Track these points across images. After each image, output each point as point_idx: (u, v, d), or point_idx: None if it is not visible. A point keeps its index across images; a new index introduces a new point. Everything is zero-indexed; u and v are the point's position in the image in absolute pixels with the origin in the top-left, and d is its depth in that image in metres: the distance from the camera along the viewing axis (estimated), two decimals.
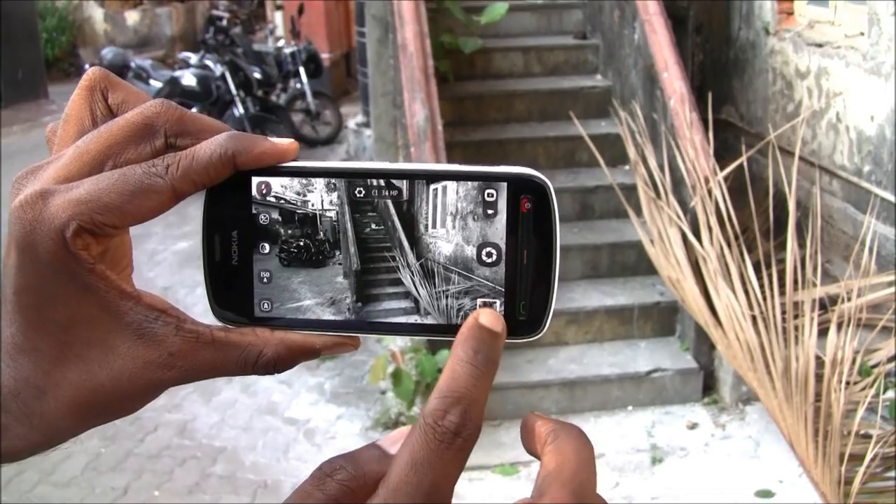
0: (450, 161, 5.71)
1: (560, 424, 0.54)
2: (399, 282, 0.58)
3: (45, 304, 0.52)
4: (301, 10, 11.95)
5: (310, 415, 5.44)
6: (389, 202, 0.57)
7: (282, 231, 0.58)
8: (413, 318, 0.58)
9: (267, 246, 0.58)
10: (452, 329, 0.55)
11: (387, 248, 0.58)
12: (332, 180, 0.57)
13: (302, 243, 0.58)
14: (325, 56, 12.69)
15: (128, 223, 0.54)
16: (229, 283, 0.58)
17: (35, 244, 0.51)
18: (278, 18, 13.60)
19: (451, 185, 0.56)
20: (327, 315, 0.58)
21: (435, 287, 0.57)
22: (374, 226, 0.58)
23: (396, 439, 0.52)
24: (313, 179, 0.57)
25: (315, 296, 0.58)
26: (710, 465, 4.81)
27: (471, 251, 0.57)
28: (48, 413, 0.54)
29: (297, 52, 11.15)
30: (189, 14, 20.16)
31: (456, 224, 0.57)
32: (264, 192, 0.57)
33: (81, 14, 19.52)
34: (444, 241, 0.57)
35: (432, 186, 0.56)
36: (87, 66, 10.46)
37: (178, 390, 5.72)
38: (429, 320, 0.58)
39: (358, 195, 0.57)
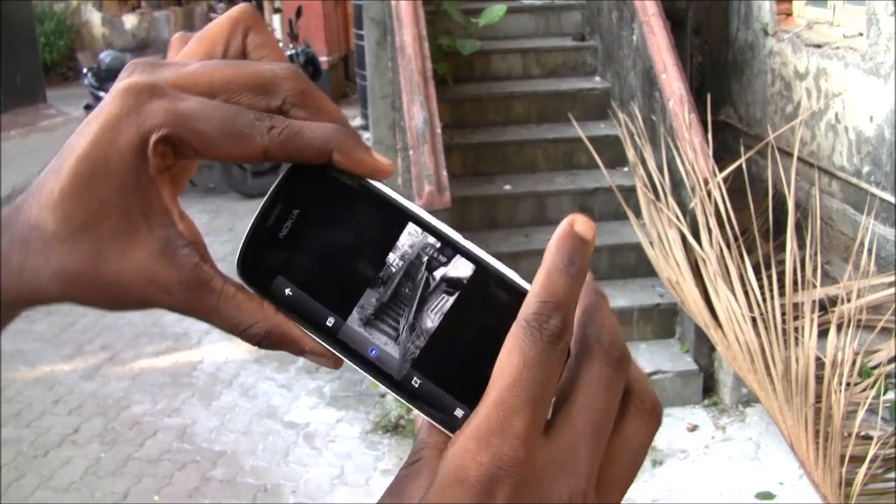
0: (448, 163, 5.72)
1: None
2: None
3: (97, 178, 0.53)
4: (299, 13, 11.94)
5: (309, 418, 5.43)
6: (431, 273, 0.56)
7: (338, 236, 0.57)
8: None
9: (317, 240, 0.57)
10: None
11: (401, 311, 0.56)
12: (413, 229, 0.56)
13: (347, 257, 0.57)
14: (323, 59, 12.70)
15: (210, 156, 0.54)
16: (264, 250, 0.57)
17: (121, 126, 0.52)
18: (276, 21, 13.59)
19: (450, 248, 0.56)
20: (329, 327, 0.57)
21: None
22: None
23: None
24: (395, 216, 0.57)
25: (327, 304, 0.57)
26: (710, 468, 4.81)
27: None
28: (42, 271, 0.54)
29: (295, 55, 11.14)
30: (187, 17, 20.19)
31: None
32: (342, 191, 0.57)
33: (79, 18, 19.54)
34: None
35: (424, 256, 0.56)
36: (84, 70, 10.49)
37: (177, 394, 5.73)
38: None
39: (417, 260, 0.56)
